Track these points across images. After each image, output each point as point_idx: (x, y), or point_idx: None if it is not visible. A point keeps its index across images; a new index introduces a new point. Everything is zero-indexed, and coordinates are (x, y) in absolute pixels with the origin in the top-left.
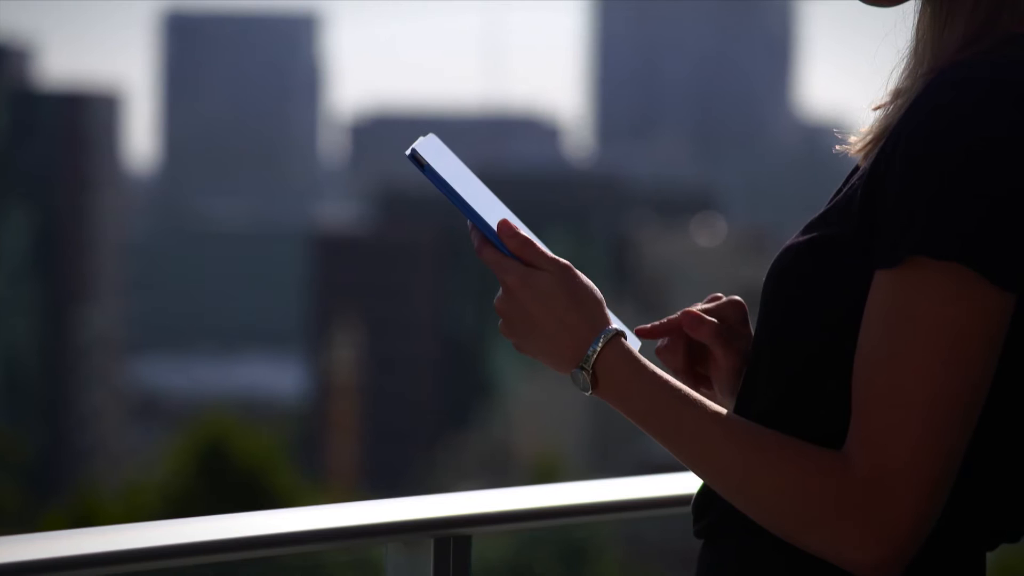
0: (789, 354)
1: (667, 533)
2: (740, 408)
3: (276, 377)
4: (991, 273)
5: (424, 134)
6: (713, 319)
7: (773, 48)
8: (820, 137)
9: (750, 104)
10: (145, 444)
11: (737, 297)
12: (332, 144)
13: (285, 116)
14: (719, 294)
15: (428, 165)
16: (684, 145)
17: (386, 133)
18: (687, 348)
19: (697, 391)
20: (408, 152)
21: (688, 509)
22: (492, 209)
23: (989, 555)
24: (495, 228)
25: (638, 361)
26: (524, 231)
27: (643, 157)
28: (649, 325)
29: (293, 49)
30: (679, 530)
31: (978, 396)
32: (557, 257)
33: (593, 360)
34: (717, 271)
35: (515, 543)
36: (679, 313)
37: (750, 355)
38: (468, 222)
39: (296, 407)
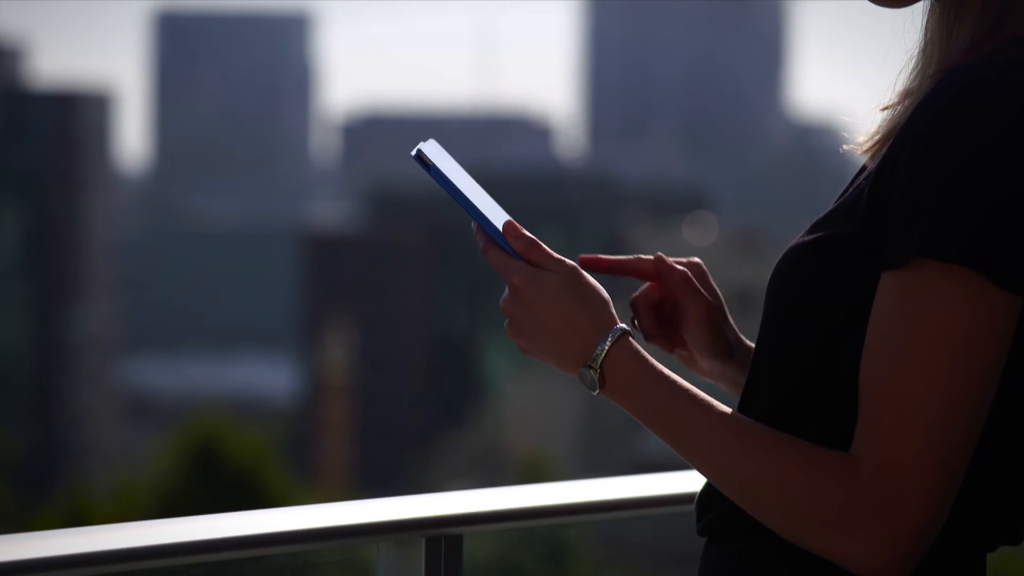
0: (793, 354)
1: (658, 532)
2: (743, 408)
3: (268, 377)
4: (995, 275)
5: (418, 134)
6: (681, 267)
7: (765, 48)
8: (811, 137)
9: (742, 104)
10: (137, 443)
11: (696, 259)
12: (324, 144)
13: (277, 116)
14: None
15: (434, 166)
16: (676, 145)
17: (378, 133)
18: (655, 311)
19: (673, 353)
20: (413, 153)
21: (679, 508)
22: (493, 211)
23: (989, 556)
24: (500, 229)
25: (646, 360)
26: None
27: (635, 157)
28: (592, 255)
29: (285, 49)
30: (671, 529)
31: (984, 398)
32: (563, 258)
33: (601, 359)
34: (709, 270)
35: (506, 542)
36: (634, 256)
37: (753, 354)
38: (472, 223)
39: (288, 407)
